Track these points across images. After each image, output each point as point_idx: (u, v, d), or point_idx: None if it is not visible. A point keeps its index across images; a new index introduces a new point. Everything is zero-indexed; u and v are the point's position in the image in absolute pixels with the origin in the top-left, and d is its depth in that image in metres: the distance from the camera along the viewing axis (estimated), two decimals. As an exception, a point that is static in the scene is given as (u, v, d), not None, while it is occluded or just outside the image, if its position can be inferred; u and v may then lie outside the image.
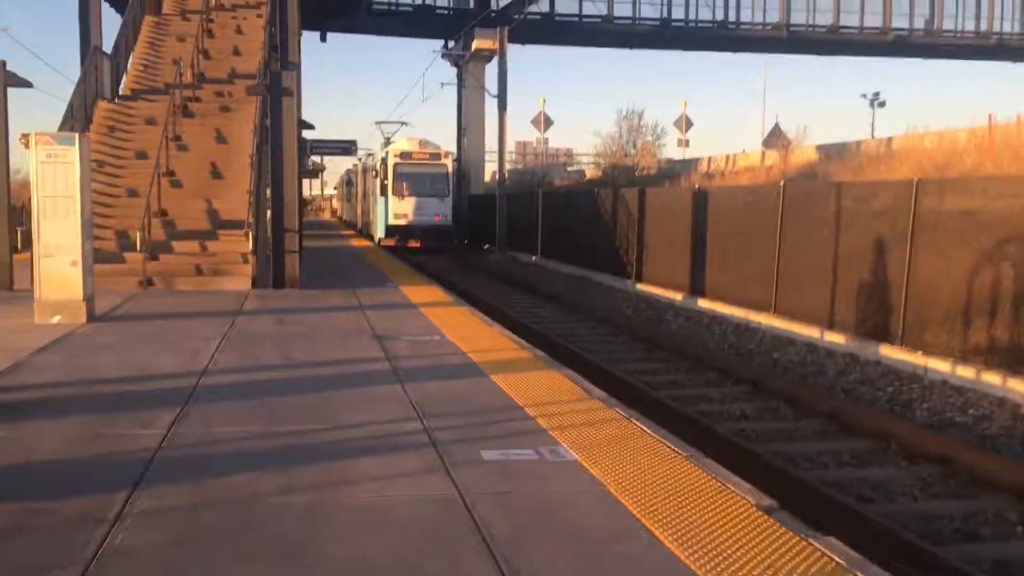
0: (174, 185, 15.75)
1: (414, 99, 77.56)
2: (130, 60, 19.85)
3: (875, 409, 8.70)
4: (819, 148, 34.76)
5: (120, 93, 18.80)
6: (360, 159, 44.75)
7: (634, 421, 5.99)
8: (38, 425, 5.56)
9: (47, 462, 4.85)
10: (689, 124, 42.22)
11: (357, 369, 7.64)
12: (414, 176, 31.39)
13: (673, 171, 40.39)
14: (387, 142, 39.00)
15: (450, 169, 32.27)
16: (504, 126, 32.26)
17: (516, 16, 35.37)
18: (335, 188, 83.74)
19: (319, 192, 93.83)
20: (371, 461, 4.98)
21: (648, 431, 5.74)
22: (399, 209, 31.13)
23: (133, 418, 5.75)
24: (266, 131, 15.84)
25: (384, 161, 32.22)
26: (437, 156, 32.08)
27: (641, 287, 18.27)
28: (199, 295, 12.76)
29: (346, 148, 30.62)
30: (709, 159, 42.10)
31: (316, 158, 54.11)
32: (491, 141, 41.77)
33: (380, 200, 31.98)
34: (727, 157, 41.33)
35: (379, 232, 31.95)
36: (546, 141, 56.07)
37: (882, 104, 53.36)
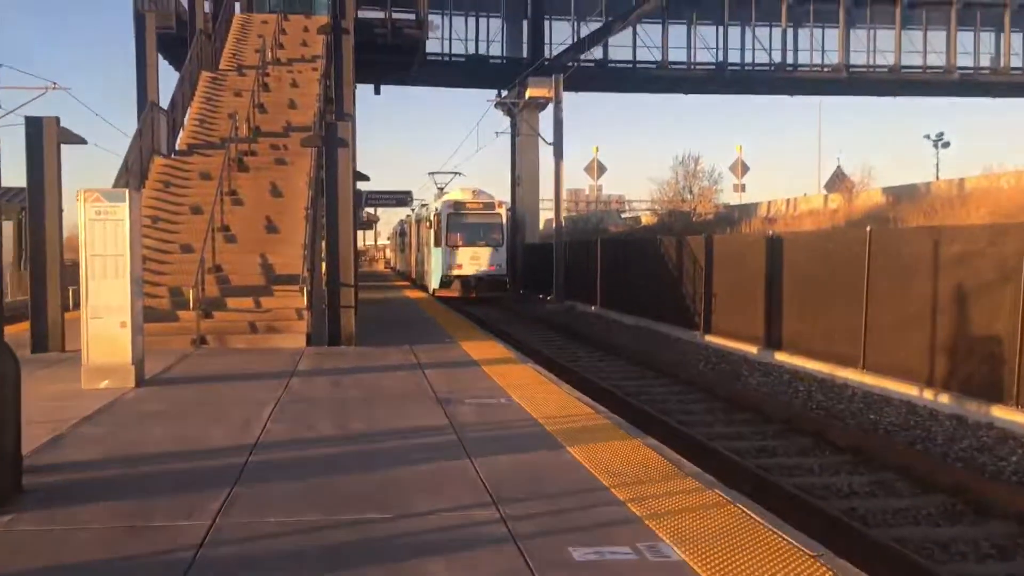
0: (228, 240, 15.43)
1: (468, 149, 78.59)
2: (187, 115, 19.86)
3: (1005, 484, 7.67)
4: (885, 191, 33.67)
5: (176, 148, 18.75)
6: (413, 209, 44.79)
7: (739, 506, 5.19)
8: (72, 514, 4.97)
9: (75, 565, 4.23)
10: (745, 169, 41.38)
11: (420, 441, 6.95)
12: (468, 226, 31.25)
13: (732, 216, 39.55)
14: (440, 192, 38.98)
15: (504, 218, 32.00)
16: (560, 174, 31.89)
17: (570, 64, 35.15)
18: (388, 239, 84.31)
19: (372, 243, 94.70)
20: (443, 563, 4.26)
21: (760, 520, 4.92)
22: (453, 259, 30.96)
23: (176, 505, 5.13)
24: (321, 183, 15.51)
25: (438, 211, 32.18)
26: (491, 206, 31.87)
27: (710, 339, 17.35)
28: (253, 354, 12.28)
29: (401, 199, 30.39)
30: (768, 204, 41.17)
31: (370, 209, 54.31)
32: (544, 189, 41.46)
33: (434, 251, 31.83)
34: (787, 201, 40.36)
35: (433, 283, 31.72)
36: (599, 188, 55.38)
37: (946, 145, 51.98)
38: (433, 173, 41.87)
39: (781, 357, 14.44)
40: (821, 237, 14.66)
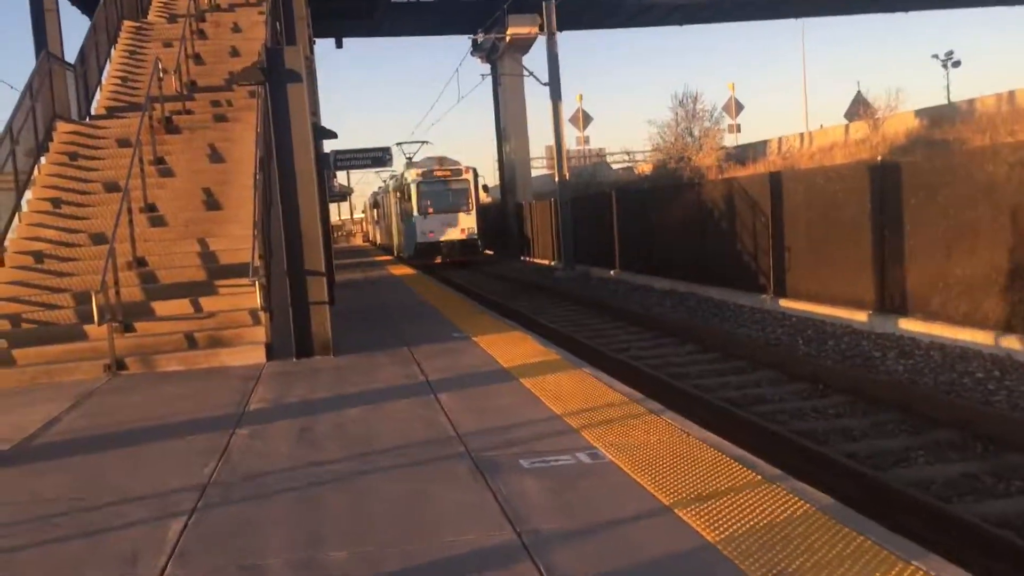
0: (155, 223, 11.71)
1: (444, 107, 74.96)
2: (104, 73, 15.95)
3: None
4: (919, 113, 30.19)
5: (92, 112, 14.89)
6: (384, 181, 44.81)
7: None
8: None
9: None
10: (739, 108, 37.98)
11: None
12: (437, 194, 31.97)
13: (740, 157, 36.00)
14: (409, 162, 37.52)
15: (472, 184, 32.50)
16: (560, 118, 28.20)
17: (553, -4, 31.16)
18: (363, 212, 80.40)
19: (348, 216, 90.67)
20: None
21: None
22: (425, 227, 31.75)
23: None
24: (271, 143, 11.80)
25: (407, 181, 32.74)
26: (458, 172, 32.40)
27: (786, 304, 13.73)
28: (190, 381, 8.67)
29: (378, 158, 26.58)
30: (780, 140, 37.66)
31: (342, 180, 50.18)
32: (534, 145, 37.71)
33: (406, 220, 32.67)
34: (801, 136, 36.89)
35: (408, 251, 32.43)
36: (587, 140, 51.68)
37: (956, 64, 48.56)
38: (400, 143, 40.63)
39: (909, 326, 10.77)
40: (976, 155, 10.77)
